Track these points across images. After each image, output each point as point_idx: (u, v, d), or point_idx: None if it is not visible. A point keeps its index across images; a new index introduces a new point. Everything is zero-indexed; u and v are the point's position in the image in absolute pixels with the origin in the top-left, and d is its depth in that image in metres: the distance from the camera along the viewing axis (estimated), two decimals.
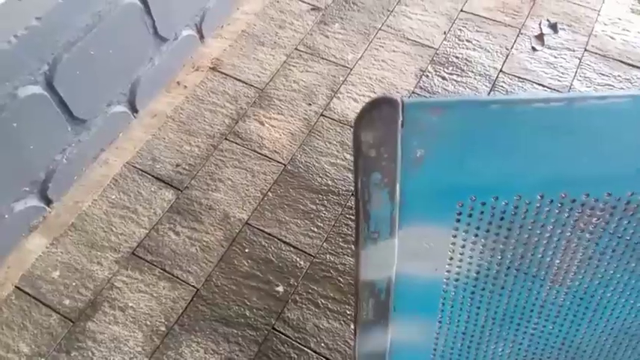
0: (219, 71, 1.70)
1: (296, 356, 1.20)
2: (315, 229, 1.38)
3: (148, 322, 1.25)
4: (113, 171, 1.48)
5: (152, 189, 1.45)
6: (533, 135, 0.42)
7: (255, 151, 1.52)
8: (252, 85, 1.67)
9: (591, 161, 0.41)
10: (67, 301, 1.28)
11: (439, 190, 0.43)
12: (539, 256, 0.48)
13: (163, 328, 1.24)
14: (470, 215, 0.44)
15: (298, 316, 1.25)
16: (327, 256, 1.34)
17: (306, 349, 1.21)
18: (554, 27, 1.79)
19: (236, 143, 1.54)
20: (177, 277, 1.31)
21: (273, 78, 1.68)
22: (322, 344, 1.22)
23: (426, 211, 0.44)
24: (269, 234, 1.37)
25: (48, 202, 1.40)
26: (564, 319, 0.56)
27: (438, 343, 0.57)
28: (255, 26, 1.82)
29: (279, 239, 1.37)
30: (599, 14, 1.83)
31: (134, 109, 1.58)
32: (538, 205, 0.44)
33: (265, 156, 1.51)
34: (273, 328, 1.24)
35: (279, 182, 1.46)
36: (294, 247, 1.35)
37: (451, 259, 0.48)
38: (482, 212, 0.44)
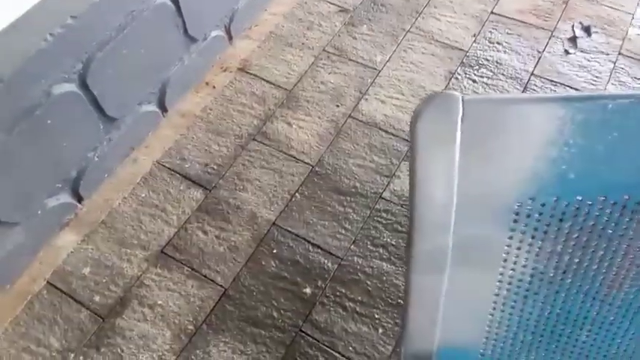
0: (247, 72, 1.71)
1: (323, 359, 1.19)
2: (343, 232, 1.37)
3: (176, 321, 1.25)
4: (143, 169, 1.49)
5: (181, 188, 1.46)
6: (597, 134, 0.40)
7: (282, 152, 1.52)
8: (279, 87, 1.67)
9: None
10: (97, 298, 1.29)
11: (498, 190, 0.42)
12: (598, 260, 0.47)
13: (191, 327, 1.24)
14: (528, 216, 0.43)
15: (326, 319, 1.24)
16: (355, 258, 1.33)
17: (333, 352, 1.20)
18: (587, 30, 1.76)
19: (264, 144, 1.54)
20: (206, 277, 1.31)
21: (301, 79, 1.68)
22: (350, 347, 1.21)
23: (482, 212, 0.43)
24: (297, 235, 1.37)
25: (79, 199, 1.42)
26: (618, 328, 0.54)
27: (486, 346, 0.56)
28: (283, 27, 1.82)
29: (306, 241, 1.36)
30: (633, 17, 1.79)
31: (164, 109, 1.59)
32: (600, 207, 0.42)
33: (293, 157, 1.51)
34: (301, 330, 1.23)
35: (307, 184, 1.46)
36: (321, 248, 1.35)
37: (505, 260, 0.47)
38: (540, 214, 0.43)
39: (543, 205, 0.42)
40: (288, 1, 1.90)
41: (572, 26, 1.78)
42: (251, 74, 1.70)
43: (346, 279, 1.30)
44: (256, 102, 1.63)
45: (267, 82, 1.68)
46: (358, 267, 1.32)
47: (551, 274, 0.48)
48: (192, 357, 1.20)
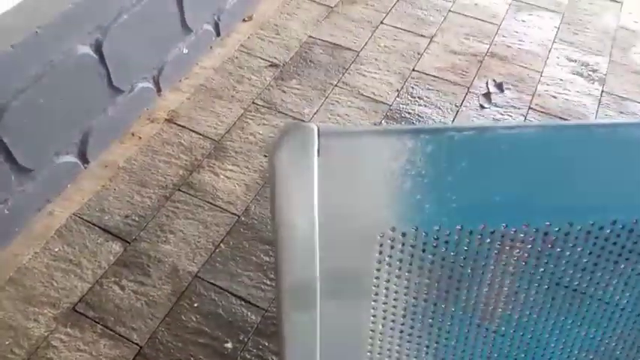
0: (175, 123, 1.70)
1: None
2: (268, 282, 1.35)
3: None
4: (58, 222, 1.43)
5: (98, 241, 1.40)
6: (447, 165, 0.42)
7: (208, 202, 1.50)
8: (208, 137, 1.67)
9: (508, 189, 0.42)
10: None
11: (359, 220, 0.43)
12: (465, 292, 0.48)
13: None
14: (392, 247, 0.44)
15: None
16: None
17: None
18: (500, 86, 1.89)
19: (189, 194, 1.52)
20: (120, 335, 1.24)
21: (230, 130, 1.69)
22: None
23: (347, 243, 0.44)
24: (220, 287, 1.33)
25: None
26: None
27: None
28: (214, 80, 1.85)
29: (230, 293, 1.32)
30: (541, 75, 1.94)
31: (85, 160, 1.55)
32: (457, 236, 0.44)
33: (219, 207, 1.49)
34: None
35: (232, 234, 1.44)
36: (245, 300, 1.31)
37: (376, 294, 0.47)
38: (403, 244, 0.44)
39: (404, 235, 0.44)
40: (219, 55, 1.94)
41: (487, 83, 1.90)
42: (179, 125, 1.70)
43: (270, 331, 1.27)
44: (183, 153, 1.62)
45: (195, 132, 1.68)
46: None
47: (423, 309, 0.49)
48: None
